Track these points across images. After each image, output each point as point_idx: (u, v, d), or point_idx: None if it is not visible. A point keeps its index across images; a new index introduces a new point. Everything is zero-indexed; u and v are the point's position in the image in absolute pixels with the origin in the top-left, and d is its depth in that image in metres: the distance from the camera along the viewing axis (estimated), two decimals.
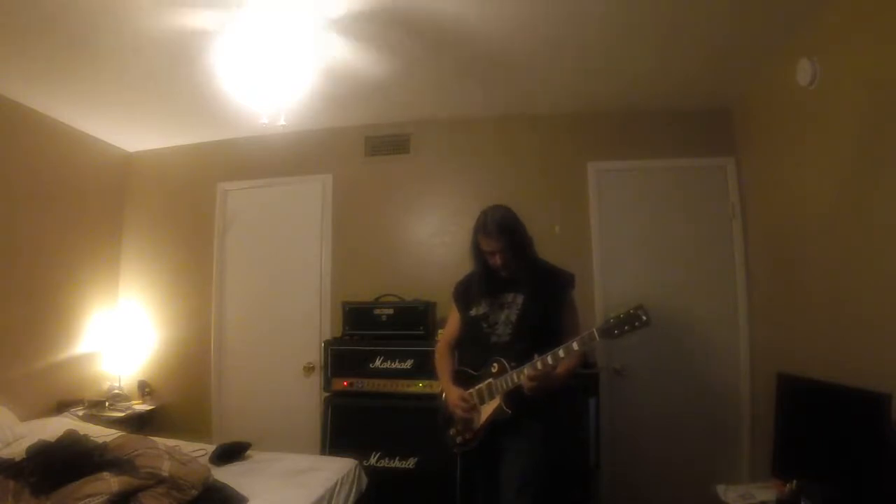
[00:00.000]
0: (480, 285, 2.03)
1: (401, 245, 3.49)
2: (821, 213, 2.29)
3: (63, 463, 1.85)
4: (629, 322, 1.69)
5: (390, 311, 3.01)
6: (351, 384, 2.91)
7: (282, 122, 2.36)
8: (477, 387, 1.95)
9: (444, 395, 2.11)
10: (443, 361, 2.18)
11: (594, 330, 1.74)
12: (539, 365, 1.77)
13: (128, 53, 2.50)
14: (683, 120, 3.24)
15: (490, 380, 1.92)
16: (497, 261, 1.94)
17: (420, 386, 2.79)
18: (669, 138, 3.26)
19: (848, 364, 2.03)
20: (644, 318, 1.67)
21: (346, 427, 2.87)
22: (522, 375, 1.80)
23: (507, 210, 2.00)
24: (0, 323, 2.88)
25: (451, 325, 2.22)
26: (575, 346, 1.76)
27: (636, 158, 3.28)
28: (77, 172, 3.48)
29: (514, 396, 1.86)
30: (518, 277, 1.96)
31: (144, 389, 3.54)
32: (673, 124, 3.26)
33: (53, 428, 2.47)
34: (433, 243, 3.44)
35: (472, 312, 2.05)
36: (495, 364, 1.92)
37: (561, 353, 1.76)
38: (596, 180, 3.30)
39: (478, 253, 2.00)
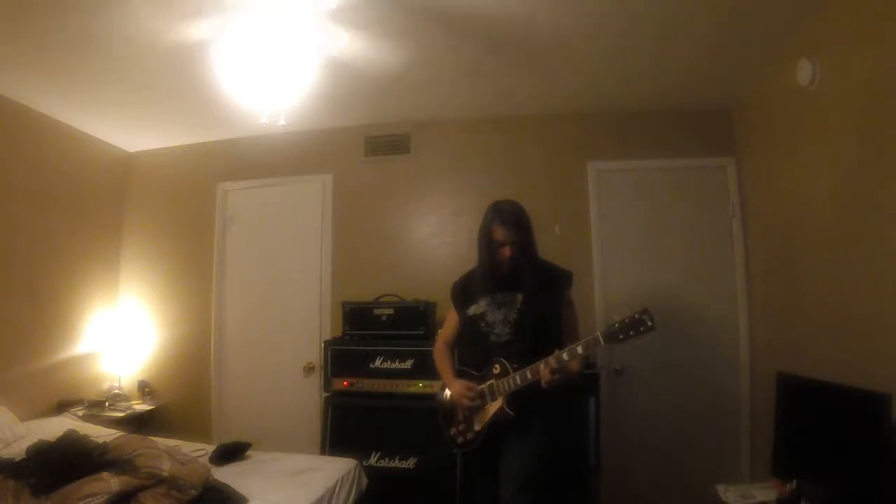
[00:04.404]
0: (484, 280, 2.03)
1: (401, 245, 3.49)
2: (821, 213, 2.29)
3: (63, 463, 1.84)
4: (634, 327, 1.68)
5: (390, 311, 3.01)
6: (351, 384, 2.91)
7: (282, 122, 2.35)
8: (479, 387, 1.95)
9: (445, 392, 2.11)
10: (442, 358, 2.18)
11: (599, 335, 1.74)
12: (565, 356, 1.76)
13: (128, 53, 2.50)
14: (683, 120, 3.24)
15: (492, 381, 1.92)
16: (507, 253, 1.92)
17: (420, 386, 2.79)
18: (669, 138, 3.26)
19: (848, 364, 2.03)
20: (650, 323, 1.67)
21: (346, 427, 2.86)
22: (545, 365, 1.76)
23: (519, 204, 2.01)
24: (0, 323, 2.88)
25: (448, 325, 2.22)
26: (579, 349, 1.76)
27: (636, 158, 3.28)
28: (77, 172, 3.48)
29: (516, 398, 1.87)
30: (520, 275, 1.95)
31: (144, 389, 3.54)
32: (673, 124, 3.26)
33: (53, 428, 2.48)
34: (433, 243, 3.44)
35: (471, 312, 2.05)
36: (497, 365, 1.92)
37: (565, 356, 1.76)
38: (596, 180, 3.30)
39: (488, 244, 1.98)
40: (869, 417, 1.66)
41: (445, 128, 3.50)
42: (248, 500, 1.92)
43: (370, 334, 3.01)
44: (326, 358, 2.98)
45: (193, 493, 1.84)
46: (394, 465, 2.76)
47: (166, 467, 1.86)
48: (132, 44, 2.41)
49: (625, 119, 3.31)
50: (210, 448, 2.52)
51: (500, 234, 1.94)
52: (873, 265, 1.93)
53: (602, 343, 1.73)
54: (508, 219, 1.93)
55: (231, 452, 2.46)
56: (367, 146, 3.58)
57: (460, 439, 2.02)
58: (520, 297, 1.96)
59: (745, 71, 2.74)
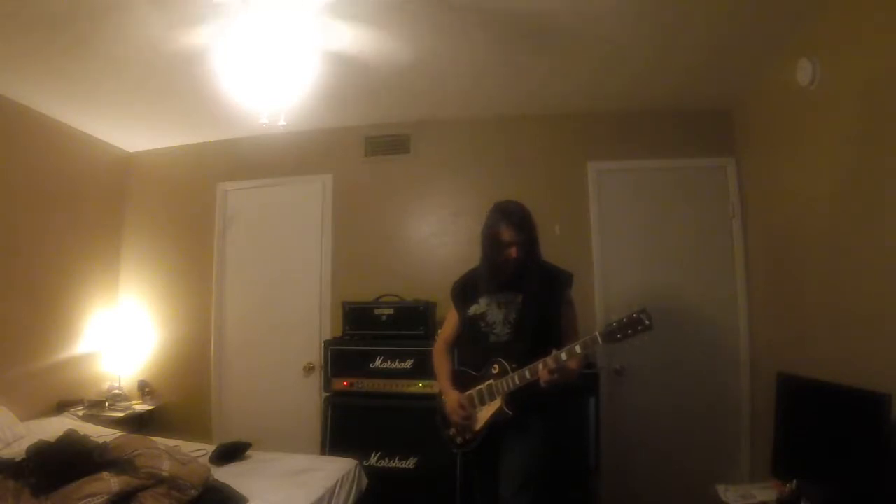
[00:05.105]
0: (485, 280, 2.03)
1: (401, 245, 3.49)
2: (821, 213, 2.29)
3: (63, 463, 1.84)
4: (632, 326, 1.69)
5: (390, 311, 3.01)
6: (351, 384, 2.91)
7: (282, 122, 2.35)
8: (477, 388, 1.95)
9: (442, 395, 2.11)
10: (441, 361, 2.18)
11: (597, 334, 1.74)
12: (564, 355, 1.76)
13: (128, 53, 2.50)
14: (683, 120, 3.24)
15: (491, 381, 1.92)
16: (513, 253, 1.92)
17: (420, 386, 2.79)
18: (669, 138, 3.26)
19: (848, 364, 2.03)
20: (647, 322, 1.67)
21: (346, 427, 2.87)
22: (543, 366, 1.77)
23: (524, 205, 2.00)
24: (0, 323, 2.88)
25: (448, 325, 2.22)
26: (577, 349, 1.76)
27: (636, 158, 3.28)
28: (77, 172, 3.48)
29: (515, 398, 1.87)
30: (522, 275, 1.95)
31: (144, 389, 3.54)
32: (673, 124, 3.26)
33: (53, 428, 2.47)
34: (433, 243, 3.44)
35: (471, 311, 2.05)
36: (496, 365, 1.92)
37: (563, 356, 1.76)
38: (596, 180, 3.30)
39: (493, 244, 1.97)
40: (869, 417, 1.66)
41: (445, 128, 3.50)
42: (248, 500, 1.92)
43: (370, 334, 3.01)
44: (326, 358, 2.98)
45: (193, 493, 1.84)
46: (394, 465, 2.76)
47: (166, 467, 1.85)
48: (132, 44, 2.41)
49: (625, 119, 3.30)
50: (210, 448, 2.52)
51: (506, 235, 1.93)
52: (873, 265, 1.93)
53: (600, 342, 1.74)
54: (515, 220, 1.93)
55: (231, 452, 2.46)
56: (367, 146, 3.58)
57: (459, 439, 2.02)
58: (520, 298, 1.96)
59: (745, 71, 2.74)
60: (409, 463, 2.75)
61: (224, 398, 3.57)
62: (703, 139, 3.23)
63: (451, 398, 2.00)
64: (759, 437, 2.87)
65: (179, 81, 2.80)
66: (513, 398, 1.87)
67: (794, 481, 1.90)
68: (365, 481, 2.52)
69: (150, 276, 3.76)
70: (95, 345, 3.51)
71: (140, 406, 3.43)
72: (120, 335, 3.59)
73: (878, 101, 1.88)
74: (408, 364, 2.84)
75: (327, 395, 2.99)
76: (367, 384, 2.88)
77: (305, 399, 3.40)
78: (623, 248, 3.23)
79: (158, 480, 1.81)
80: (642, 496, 3.01)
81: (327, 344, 3.04)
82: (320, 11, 2.17)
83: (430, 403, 2.25)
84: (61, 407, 3.13)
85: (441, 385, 2.13)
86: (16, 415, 2.69)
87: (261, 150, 3.66)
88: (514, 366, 1.86)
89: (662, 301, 3.00)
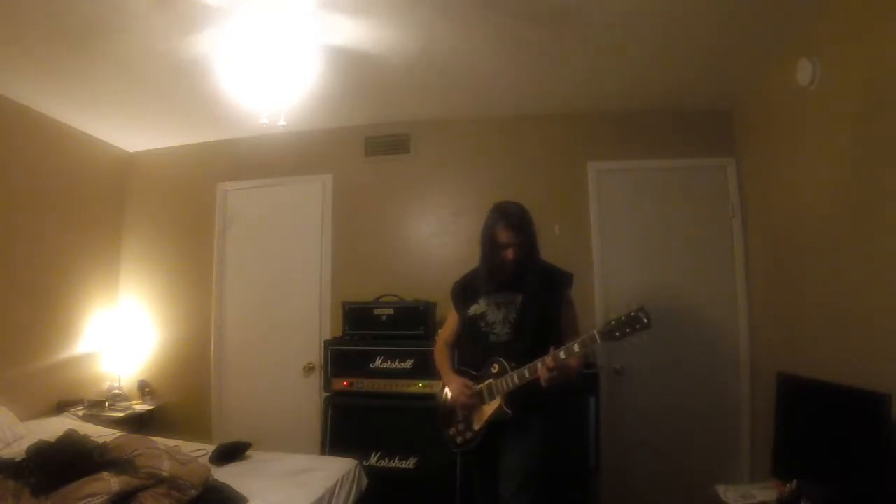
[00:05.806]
0: (485, 281, 2.03)
1: (401, 245, 3.49)
2: (821, 213, 2.29)
3: (63, 463, 1.84)
4: (631, 325, 1.69)
5: (390, 311, 3.01)
6: (351, 384, 2.91)
7: (282, 122, 2.35)
8: (477, 387, 1.95)
9: (444, 391, 2.12)
10: (442, 357, 2.19)
11: (595, 332, 1.74)
12: (562, 354, 1.76)
13: (128, 53, 2.50)
14: (683, 120, 3.24)
15: (490, 380, 1.92)
16: (511, 255, 1.93)
17: (420, 386, 2.79)
18: (669, 138, 3.26)
19: (848, 364, 2.03)
20: (646, 320, 1.67)
21: (346, 427, 2.86)
22: (542, 364, 1.77)
23: (522, 206, 2.00)
24: (0, 323, 2.88)
25: (449, 325, 2.22)
26: (576, 347, 1.76)
27: (636, 158, 3.28)
28: (77, 172, 3.48)
29: (515, 397, 1.87)
30: (521, 276, 1.95)
31: (144, 389, 3.54)
32: (673, 124, 3.26)
33: (53, 428, 2.47)
34: (433, 243, 3.44)
35: (471, 311, 2.05)
36: (495, 365, 1.92)
37: (562, 354, 1.76)
38: (596, 180, 3.30)
39: (491, 245, 1.98)
40: (869, 417, 1.66)
41: (445, 128, 3.50)
42: (248, 500, 1.92)
43: (370, 334, 3.01)
44: (326, 358, 2.98)
45: (193, 493, 1.84)
46: (394, 465, 2.76)
47: (166, 467, 1.85)
48: (132, 44, 2.41)
49: (625, 119, 3.30)
50: (210, 448, 2.52)
51: (504, 236, 1.93)
52: (873, 265, 1.93)
53: (598, 341, 1.73)
54: (513, 221, 1.93)
55: (231, 452, 2.46)
56: (367, 146, 3.58)
57: (459, 439, 2.03)
58: (520, 298, 1.96)
59: (745, 71, 2.74)
60: (409, 463, 2.75)
61: (224, 398, 3.57)
62: (703, 139, 3.23)
63: (456, 382, 2.00)
64: (759, 437, 2.87)
65: (180, 81, 2.80)
66: (512, 398, 1.87)
67: (794, 481, 1.90)
68: (365, 481, 2.52)
69: (150, 276, 3.77)
70: (95, 345, 3.51)
71: (140, 406, 3.42)
72: (120, 335, 3.59)
73: (878, 102, 1.88)
74: (408, 364, 2.84)
75: (327, 395, 2.99)
76: (367, 384, 2.88)
77: (305, 399, 3.40)
78: (623, 248, 3.23)
79: (158, 480, 1.81)
80: (642, 496, 3.01)
81: (327, 344, 3.04)
82: (319, 7, 2.16)
83: (430, 403, 2.25)
84: (61, 407, 3.13)
85: (444, 375, 2.13)
86: (16, 415, 2.69)
87: (261, 150, 3.66)
88: (513, 365, 1.86)
89: (662, 301, 3.00)
